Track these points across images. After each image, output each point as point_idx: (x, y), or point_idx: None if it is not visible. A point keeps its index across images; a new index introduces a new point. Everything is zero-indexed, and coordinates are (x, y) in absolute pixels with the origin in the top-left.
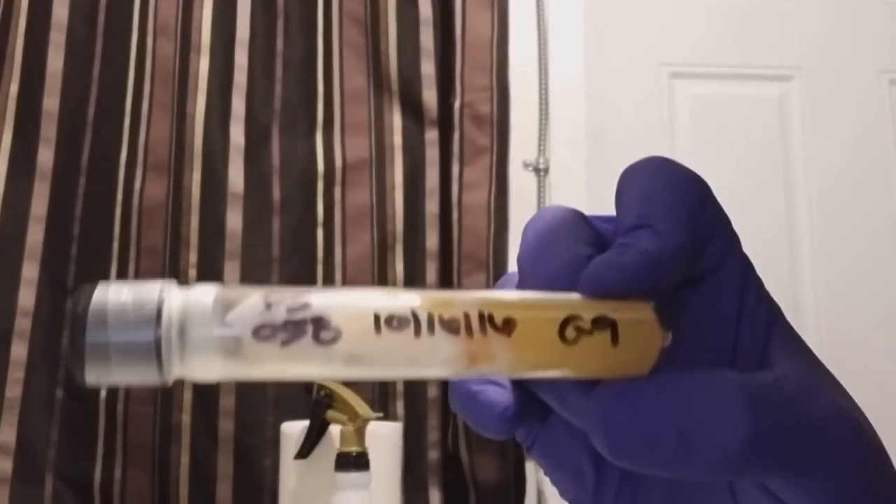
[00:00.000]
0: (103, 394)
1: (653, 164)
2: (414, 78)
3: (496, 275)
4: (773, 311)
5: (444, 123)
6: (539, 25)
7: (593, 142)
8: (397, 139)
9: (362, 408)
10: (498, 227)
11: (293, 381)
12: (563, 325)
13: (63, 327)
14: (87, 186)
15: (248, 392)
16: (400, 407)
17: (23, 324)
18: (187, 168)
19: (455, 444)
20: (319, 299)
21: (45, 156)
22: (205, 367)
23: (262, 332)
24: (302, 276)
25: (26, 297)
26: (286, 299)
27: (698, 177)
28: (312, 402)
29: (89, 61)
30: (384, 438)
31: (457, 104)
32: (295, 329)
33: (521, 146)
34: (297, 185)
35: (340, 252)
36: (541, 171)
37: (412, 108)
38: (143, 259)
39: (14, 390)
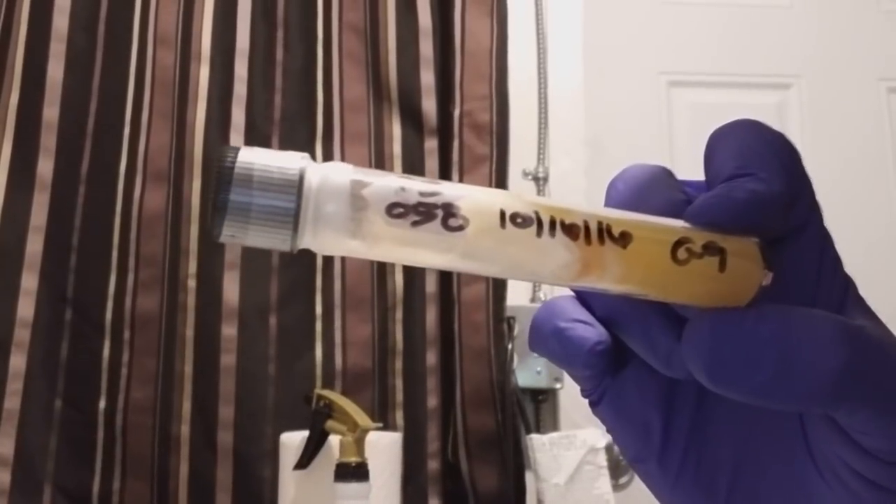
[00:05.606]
0: (102, 405)
1: (746, 124)
2: (413, 87)
3: (496, 285)
4: (848, 282)
5: (444, 132)
6: (538, 34)
7: (592, 150)
8: (397, 148)
9: (362, 418)
10: None
11: (414, 266)
12: (676, 245)
13: (62, 339)
14: (86, 196)
15: (248, 402)
16: (399, 417)
17: (22, 334)
18: (187, 177)
19: (455, 453)
20: (449, 189)
21: (45, 166)
22: (334, 240)
23: (395, 209)
24: (301, 286)
25: (25, 307)
26: (419, 185)
27: (789, 139)
28: (312, 412)
29: (89, 71)
30: (384, 448)
31: (456, 113)
32: (426, 211)
33: (521, 155)
34: None
35: (340, 261)
36: (540, 180)
37: (412, 118)
38: (143, 268)
39: (13, 401)
